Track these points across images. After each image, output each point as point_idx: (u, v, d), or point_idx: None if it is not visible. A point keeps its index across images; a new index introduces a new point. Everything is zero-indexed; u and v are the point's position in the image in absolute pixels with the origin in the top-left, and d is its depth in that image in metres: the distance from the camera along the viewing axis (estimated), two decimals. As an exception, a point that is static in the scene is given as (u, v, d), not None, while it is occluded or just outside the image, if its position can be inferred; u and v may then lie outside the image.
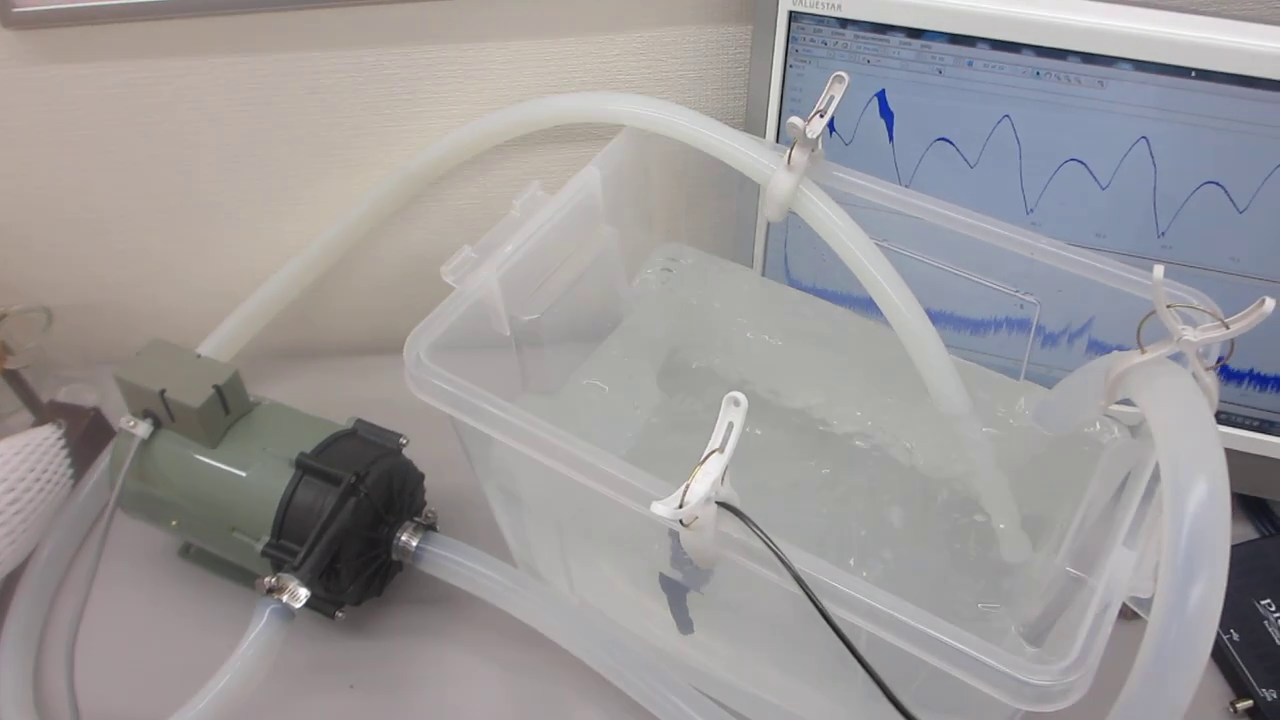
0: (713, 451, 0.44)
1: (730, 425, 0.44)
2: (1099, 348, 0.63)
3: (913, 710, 0.43)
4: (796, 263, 0.70)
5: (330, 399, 0.78)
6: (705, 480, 0.43)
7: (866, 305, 0.60)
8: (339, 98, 0.71)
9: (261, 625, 0.57)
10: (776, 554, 0.43)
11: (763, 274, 0.71)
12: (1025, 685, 0.40)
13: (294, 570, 0.58)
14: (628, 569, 0.61)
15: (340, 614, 0.65)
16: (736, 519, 0.45)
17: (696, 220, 0.70)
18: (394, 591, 0.68)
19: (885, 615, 0.42)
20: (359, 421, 0.66)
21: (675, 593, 0.57)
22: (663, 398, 0.67)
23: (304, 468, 0.62)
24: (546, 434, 0.49)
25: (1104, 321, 0.62)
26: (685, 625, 0.58)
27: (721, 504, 0.45)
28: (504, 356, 0.60)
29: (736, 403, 0.44)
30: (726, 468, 0.44)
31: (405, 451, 0.66)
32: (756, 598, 0.52)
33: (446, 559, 0.62)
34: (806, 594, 0.43)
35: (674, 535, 0.51)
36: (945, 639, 0.41)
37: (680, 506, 0.43)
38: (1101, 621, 0.41)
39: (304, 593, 0.58)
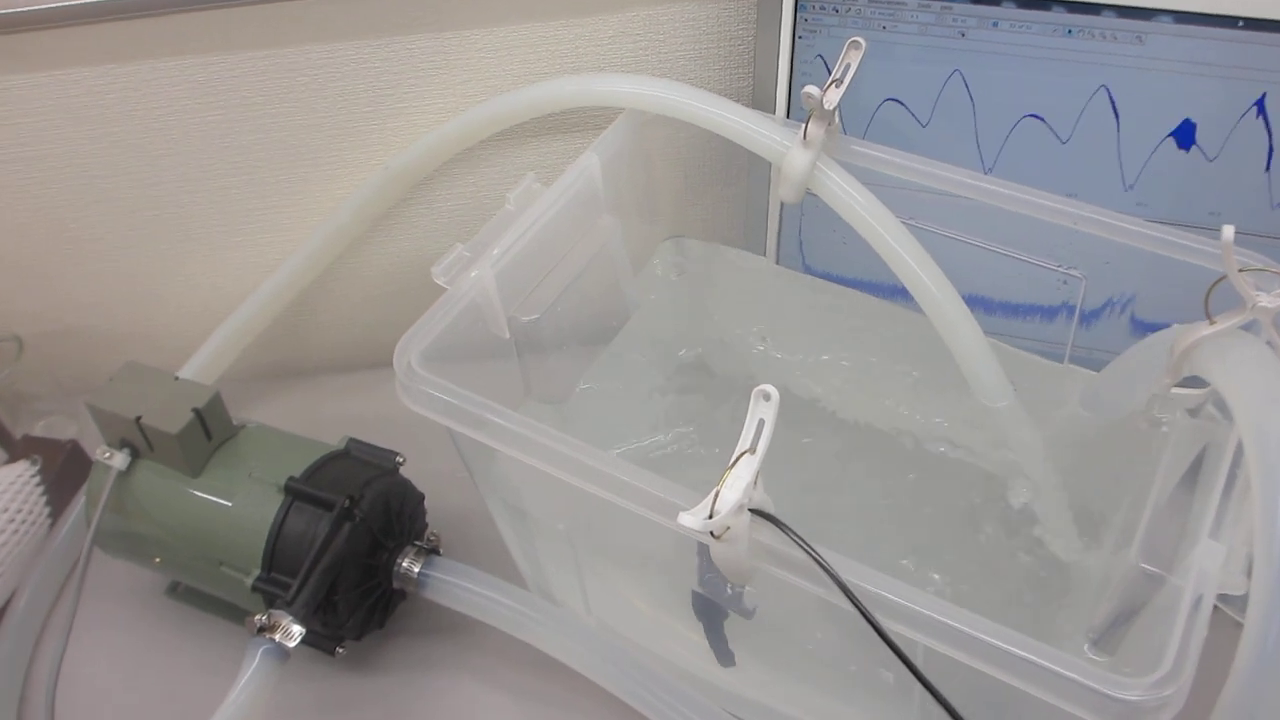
0: (743, 453, 0.39)
1: (761, 423, 0.40)
2: (1146, 327, 0.59)
3: (982, 734, 0.38)
4: (813, 250, 0.65)
5: (323, 419, 0.74)
6: (736, 486, 0.39)
7: (892, 292, 0.56)
8: (316, 96, 0.67)
9: (254, 667, 0.52)
10: (821, 564, 0.39)
11: (777, 263, 0.66)
12: (1114, 701, 0.35)
13: (287, 606, 0.53)
14: (650, 587, 0.56)
15: (341, 650, 0.60)
16: (773, 527, 0.40)
17: (703, 210, 0.66)
18: (398, 623, 0.63)
19: (947, 628, 0.37)
20: (351, 441, 0.62)
21: (712, 619, 0.52)
22: (677, 400, 0.62)
23: (293, 493, 0.57)
24: (555, 443, 0.45)
25: (1151, 297, 0.57)
26: (725, 656, 0.53)
27: (755, 511, 0.40)
28: (504, 363, 0.55)
29: (767, 397, 0.40)
30: (759, 471, 0.39)
31: (403, 470, 0.61)
32: (796, 615, 0.48)
33: (452, 585, 0.58)
34: (857, 607, 0.38)
35: (703, 551, 0.46)
36: (1019, 652, 0.36)
37: (710, 517, 0.38)
38: (1194, 624, 0.37)
39: (298, 630, 0.53)
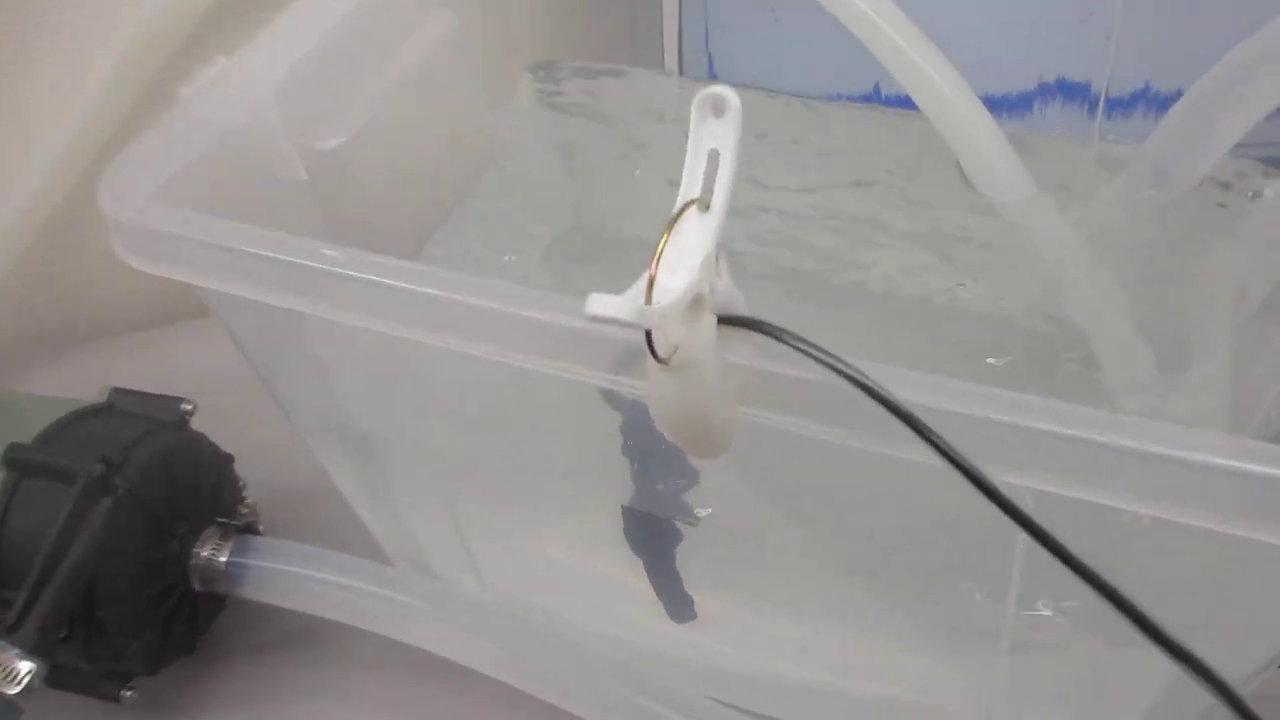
0: (689, 203, 0.22)
1: (714, 154, 0.23)
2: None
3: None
4: (725, 60, 0.49)
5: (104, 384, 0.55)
6: (685, 264, 0.22)
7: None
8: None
9: (-40, 735, 0.33)
10: (862, 384, 0.22)
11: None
12: None
13: (8, 633, 0.35)
14: (569, 523, 0.39)
15: (129, 692, 0.41)
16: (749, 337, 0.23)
17: (575, 29, 0.49)
18: (216, 644, 0.44)
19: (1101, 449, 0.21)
20: (115, 391, 0.43)
21: (655, 549, 0.35)
22: (563, 270, 0.45)
23: (17, 467, 0.38)
24: (396, 276, 0.27)
25: (1173, 54, 0.43)
26: (680, 606, 0.36)
27: (727, 319, 0.23)
28: (303, 225, 0.37)
29: (719, 110, 0.23)
30: (719, 241, 0.22)
31: (199, 426, 0.43)
32: (802, 507, 0.31)
33: (280, 573, 0.39)
34: (934, 445, 0.21)
35: (633, 413, 0.29)
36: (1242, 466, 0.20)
37: (647, 305, 0.21)
38: None
39: (27, 668, 0.34)
